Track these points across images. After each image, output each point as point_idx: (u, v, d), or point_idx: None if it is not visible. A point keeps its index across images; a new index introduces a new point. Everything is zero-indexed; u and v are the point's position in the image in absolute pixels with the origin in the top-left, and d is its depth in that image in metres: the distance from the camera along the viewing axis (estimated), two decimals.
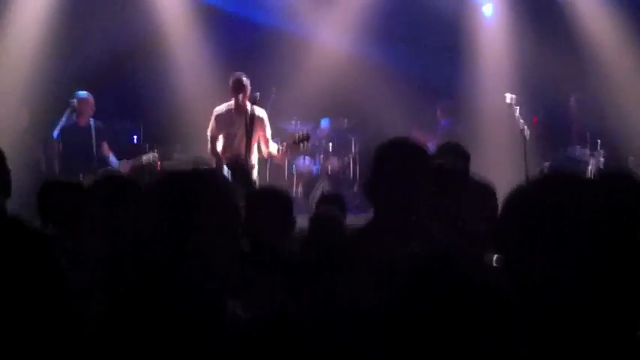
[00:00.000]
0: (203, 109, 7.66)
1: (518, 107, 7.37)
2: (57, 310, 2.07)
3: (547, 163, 8.08)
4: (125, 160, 7.69)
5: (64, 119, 7.54)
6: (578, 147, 8.46)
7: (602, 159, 8.17)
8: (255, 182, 6.59)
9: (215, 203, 1.72)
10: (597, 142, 8.27)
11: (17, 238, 2.08)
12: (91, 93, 7.73)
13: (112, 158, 7.68)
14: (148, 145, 8.34)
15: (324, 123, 9.91)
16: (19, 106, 8.33)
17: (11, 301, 1.90)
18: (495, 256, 3.37)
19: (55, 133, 7.48)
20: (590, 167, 8.13)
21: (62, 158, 7.42)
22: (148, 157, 7.80)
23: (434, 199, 2.39)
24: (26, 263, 2.06)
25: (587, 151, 8.30)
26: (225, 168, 6.49)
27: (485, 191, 3.62)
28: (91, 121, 7.62)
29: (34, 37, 8.87)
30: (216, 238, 1.70)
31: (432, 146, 7.90)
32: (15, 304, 1.94)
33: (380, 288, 1.67)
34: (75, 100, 7.55)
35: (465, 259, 2.26)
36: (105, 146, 7.67)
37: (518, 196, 2.01)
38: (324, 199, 4.51)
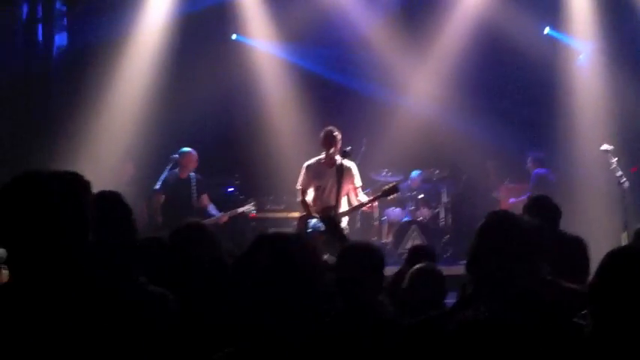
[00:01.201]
0: (295, 163, 7.87)
1: (615, 158, 7.17)
2: None
3: None
4: (223, 213, 7.99)
5: (165, 173, 7.93)
6: None
7: None
8: (346, 234, 6.69)
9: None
10: None
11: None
12: (191, 147, 8.13)
13: (212, 209, 7.98)
14: (243, 197, 8.63)
15: (415, 174, 9.93)
16: (124, 159, 8.83)
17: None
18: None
19: (158, 185, 7.85)
20: None
21: (164, 209, 7.79)
22: (245, 208, 8.17)
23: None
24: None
25: None
26: (316, 220, 6.64)
27: (578, 246, 3.54)
28: (192, 174, 7.98)
29: (140, 95, 9.44)
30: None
31: (524, 197, 7.80)
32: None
33: None
34: (177, 156, 7.97)
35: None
36: (205, 198, 7.98)
37: (619, 255, 1.98)
38: (415, 250, 4.50)
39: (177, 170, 7.97)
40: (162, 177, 7.88)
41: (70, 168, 2.50)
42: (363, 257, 2.99)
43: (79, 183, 2.06)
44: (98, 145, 8.91)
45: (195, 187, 7.85)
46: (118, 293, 2.29)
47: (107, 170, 8.20)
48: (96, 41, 9.25)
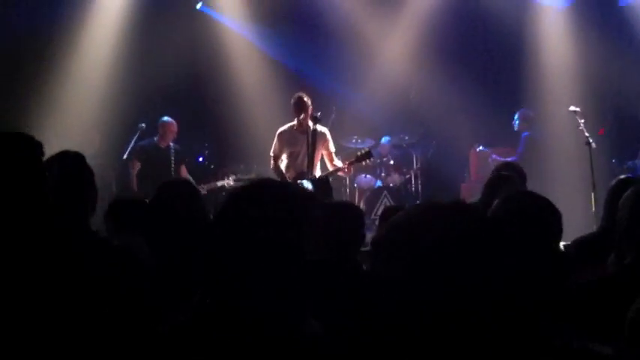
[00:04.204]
0: (266, 131, 7.82)
1: (582, 119, 7.26)
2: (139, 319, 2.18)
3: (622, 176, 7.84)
4: (202, 186, 7.90)
5: (133, 142, 7.84)
6: None
7: None
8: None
9: (276, 216, 1.65)
10: None
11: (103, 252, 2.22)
12: (159, 115, 8.02)
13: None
14: (213, 166, 8.55)
15: (385, 140, 9.93)
16: (90, 130, 8.67)
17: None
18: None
19: (126, 155, 7.75)
20: None
21: (140, 176, 7.70)
22: (225, 182, 8.10)
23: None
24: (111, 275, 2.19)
25: None
26: (306, 181, 6.57)
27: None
28: (171, 144, 7.91)
29: (105, 63, 9.24)
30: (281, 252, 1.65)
31: (514, 159, 7.77)
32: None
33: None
34: (144, 124, 7.89)
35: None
36: (183, 169, 7.94)
37: None
38: (388, 211, 4.48)
39: (155, 139, 7.91)
40: (130, 146, 7.80)
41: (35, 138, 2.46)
42: (344, 212, 3.02)
43: (28, 143, 2.11)
44: (63, 116, 8.73)
45: (174, 157, 7.78)
46: (76, 248, 2.24)
47: (73, 141, 8.06)
48: (60, 10, 9.00)
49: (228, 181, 8.14)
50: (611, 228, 2.97)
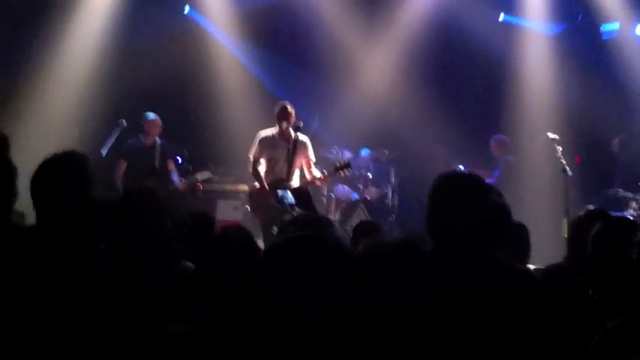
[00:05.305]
0: (246, 135, 7.83)
1: (560, 147, 7.36)
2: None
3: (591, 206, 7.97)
4: (183, 180, 7.96)
5: (112, 138, 7.79)
6: (620, 189, 8.32)
7: None
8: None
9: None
10: None
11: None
12: (141, 112, 8.00)
13: (174, 175, 7.98)
14: (191, 167, 8.54)
15: (365, 153, 9.98)
16: (70, 125, 8.61)
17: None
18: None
19: (104, 151, 7.71)
20: (631, 210, 8.01)
21: (127, 176, 7.69)
22: (203, 174, 8.20)
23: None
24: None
25: (630, 194, 8.16)
26: (288, 192, 6.56)
27: (519, 231, 3.60)
28: (157, 140, 7.92)
29: (86, 60, 9.19)
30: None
31: (491, 182, 7.87)
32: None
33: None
34: (124, 120, 7.85)
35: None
36: (170, 164, 7.98)
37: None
38: (363, 226, 4.49)
39: (141, 137, 7.92)
40: (110, 142, 7.76)
41: (15, 136, 2.46)
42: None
43: None
44: (44, 113, 8.68)
45: (159, 154, 7.82)
46: (67, 251, 2.25)
47: (52, 136, 8.01)
48: (44, 5, 8.93)
49: (207, 173, 8.24)
50: (575, 258, 3.02)
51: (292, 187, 6.75)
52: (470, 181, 2.33)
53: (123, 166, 7.81)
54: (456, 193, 2.24)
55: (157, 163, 7.80)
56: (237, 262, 2.35)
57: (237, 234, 2.56)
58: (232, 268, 2.33)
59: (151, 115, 7.96)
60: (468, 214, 2.20)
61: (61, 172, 2.36)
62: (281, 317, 1.45)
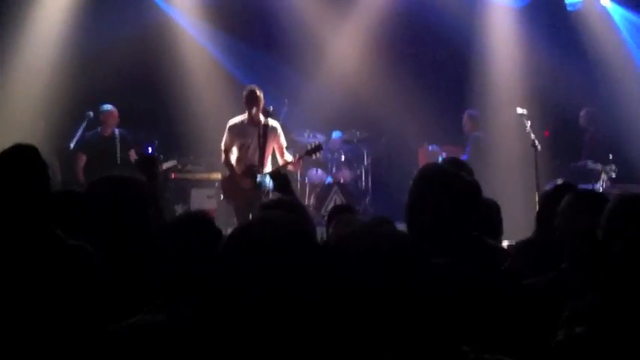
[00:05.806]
0: (216, 123, 7.77)
1: (529, 121, 7.41)
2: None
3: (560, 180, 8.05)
4: None
5: (80, 130, 7.72)
6: (589, 161, 8.42)
7: (613, 173, 8.16)
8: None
9: None
10: (609, 156, 8.25)
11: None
12: (107, 105, 7.92)
13: None
14: (162, 156, 8.48)
15: (336, 135, 9.97)
16: (35, 118, 8.46)
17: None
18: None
19: (72, 144, 7.63)
20: (601, 181, 8.13)
21: (87, 169, 7.61)
22: (169, 163, 8.29)
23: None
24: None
25: (599, 165, 8.26)
26: (266, 177, 6.53)
27: (490, 208, 3.62)
28: (116, 130, 7.84)
29: (51, 50, 9.02)
30: None
31: (463, 158, 7.89)
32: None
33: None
34: (91, 113, 7.78)
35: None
36: (132, 153, 7.89)
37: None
38: (338, 209, 4.48)
39: (99, 129, 7.86)
40: (78, 135, 7.69)
41: None
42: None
43: None
44: (7, 102, 8.51)
45: (119, 144, 7.75)
46: (33, 245, 2.22)
47: (17, 129, 7.87)
48: None
49: (173, 162, 8.43)
50: (545, 232, 3.05)
51: (272, 172, 6.69)
52: (454, 181, 2.30)
53: (82, 159, 7.80)
54: (442, 196, 2.22)
55: (119, 154, 7.78)
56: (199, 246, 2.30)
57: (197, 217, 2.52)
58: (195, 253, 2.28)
59: (107, 106, 7.94)
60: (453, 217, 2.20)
61: (10, 166, 2.33)
62: (245, 299, 1.46)
